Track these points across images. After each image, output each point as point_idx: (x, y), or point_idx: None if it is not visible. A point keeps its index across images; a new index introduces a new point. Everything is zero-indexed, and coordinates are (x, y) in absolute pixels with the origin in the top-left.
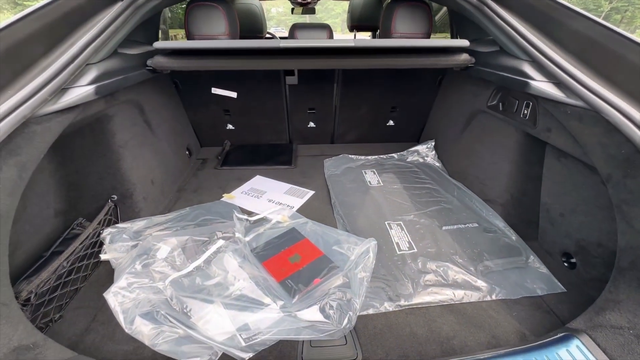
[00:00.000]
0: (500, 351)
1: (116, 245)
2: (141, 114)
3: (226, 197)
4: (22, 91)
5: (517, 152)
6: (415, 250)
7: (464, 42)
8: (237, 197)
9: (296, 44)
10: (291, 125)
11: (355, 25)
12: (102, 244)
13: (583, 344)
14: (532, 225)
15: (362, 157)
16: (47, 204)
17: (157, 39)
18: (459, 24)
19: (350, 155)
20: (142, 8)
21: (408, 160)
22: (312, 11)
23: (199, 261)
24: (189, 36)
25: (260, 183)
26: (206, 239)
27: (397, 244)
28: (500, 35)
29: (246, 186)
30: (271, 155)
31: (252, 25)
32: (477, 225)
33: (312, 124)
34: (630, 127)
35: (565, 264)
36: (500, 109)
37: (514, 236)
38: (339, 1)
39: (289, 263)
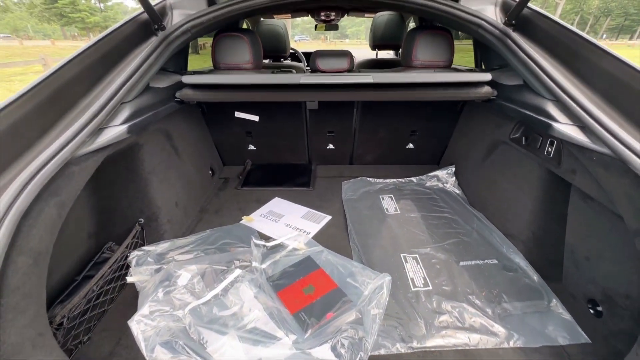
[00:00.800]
0: None
1: (141, 268)
2: (168, 140)
3: (245, 220)
4: (64, 135)
5: (541, 188)
6: (431, 287)
7: (486, 76)
8: (256, 220)
9: (316, 80)
10: (311, 147)
11: (378, 44)
12: (128, 266)
13: None
14: (555, 266)
15: (380, 181)
16: (81, 228)
17: (186, 67)
18: (482, 50)
19: (368, 179)
20: (174, 43)
21: (427, 185)
22: (335, 27)
23: (217, 290)
24: (215, 64)
25: (278, 205)
26: (224, 267)
27: (412, 279)
28: (524, 71)
29: (265, 208)
30: (290, 176)
31: (276, 45)
32: (496, 262)
33: (331, 146)
34: None
35: (591, 311)
36: (523, 142)
37: (535, 276)
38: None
39: (303, 294)
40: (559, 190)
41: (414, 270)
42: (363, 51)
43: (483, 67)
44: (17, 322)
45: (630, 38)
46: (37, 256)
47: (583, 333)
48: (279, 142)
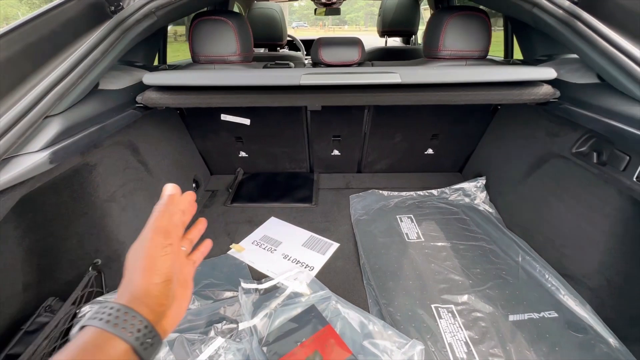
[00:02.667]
0: None
1: None
2: (135, 155)
3: (234, 249)
4: None
5: (620, 222)
6: (477, 358)
7: (549, 73)
8: (247, 248)
9: (320, 81)
10: (312, 153)
11: (387, 31)
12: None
13: None
14: (639, 325)
15: (396, 194)
16: (14, 280)
17: (164, 59)
18: (521, 34)
19: (380, 191)
20: (134, 29)
21: (450, 199)
22: (337, 12)
23: None
24: (194, 56)
25: (274, 228)
26: (202, 336)
27: (450, 344)
28: (605, 64)
29: (258, 233)
30: (289, 188)
31: (271, 33)
32: (556, 315)
33: (336, 152)
34: None
35: None
36: (595, 160)
37: (611, 339)
38: None
39: None
40: None
41: (452, 331)
42: (364, 38)
43: (513, 57)
44: None
45: None
46: None
47: None
48: (274, 148)
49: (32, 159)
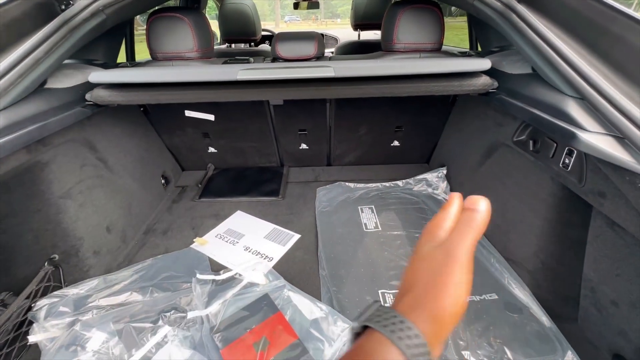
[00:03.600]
0: None
1: (51, 322)
2: (92, 152)
3: (198, 243)
4: None
5: (553, 207)
6: None
7: (484, 64)
8: (210, 241)
9: (254, 76)
10: (280, 148)
11: (359, 23)
12: (32, 322)
13: None
14: (570, 305)
15: (362, 186)
16: None
17: (132, 56)
18: (478, 28)
19: (347, 184)
20: (81, 28)
21: (414, 190)
22: (316, 6)
23: (137, 356)
24: (152, 53)
25: (239, 222)
26: (150, 324)
27: None
28: (534, 56)
29: (222, 227)
30: (258, 182)
31: (244, 27)
32: (495, 297)
33: (304, 146)
34: None
35: None
36: (531, 148)
37: (545, 319)
38: None
39: (252, 351)
40: (577, 211)
41: None
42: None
43: (479, 49)
44: None
45: None
46: None
47: None
48: (242, 143)
49: None
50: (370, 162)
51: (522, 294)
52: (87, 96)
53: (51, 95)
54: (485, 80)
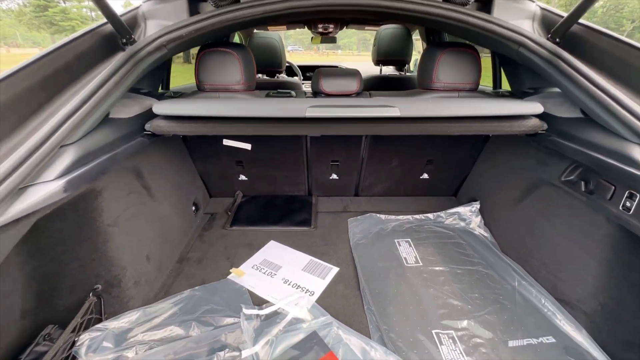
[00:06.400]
0: None
1: (95, 358)
2: (139, 179)
3: (234, 274)
4: None
5: (610, 248)
6: None
7: (536, 108)
8: (247, 273)
9: (325, 114)
10: (311, 177)
11: (382, 59)
12: (75, 357)
13: None
14: (633, 350)
15: (393, 217)
16: (12, 306)
17: (167, 84)
18: (510, 68)
19: (378, 215)
20: (145, 60)
21: (446, 223)
22: (333, 40)
23: None
24: (199, 85)
25: (274, 252)
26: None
27: None
28: (587, 101)
29: (258, 257)
30: (288, 211)
31: (271, 60)
32: (554, 340)
33: (334, 176)
34: None
35: None
36: (583, 188)
37: None
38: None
39: None
40: (637, 253)
41: (453, 357)
42: (358, 64)
43: (502, 88)
44: None
45: None
46: None
47: None
48: (274, 172)
49: (48, 188)
50: (398, 193)
51: (580, 337)
52: (147, 126)
53: (115, 125)
54: (535, 122)
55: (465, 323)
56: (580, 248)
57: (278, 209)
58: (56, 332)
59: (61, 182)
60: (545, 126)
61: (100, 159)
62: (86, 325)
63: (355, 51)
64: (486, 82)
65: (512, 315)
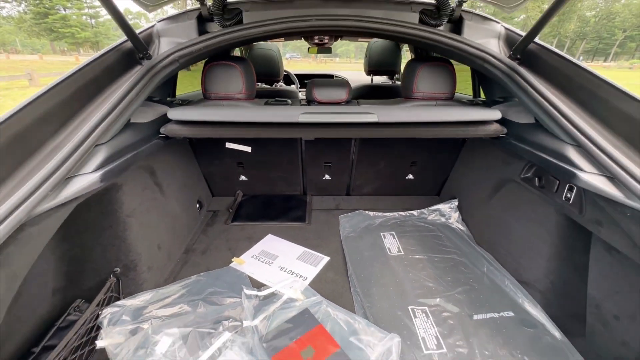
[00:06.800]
0: None
1: (115, 329)
2: (152, 177)
3: (235, 262)
4: (20, 191)
5: (558, 235)
6: (445, 349)
7: (495, 114)
8: (247, 261)
9: (315, 119)
10: (306, 178)
11: (373, 70)
12: (99, 327)
13: None
14: (578, 320)
15: (380, 214)
16: (45, 284)
17: (174, 93)
18: (483, 80)
19: (367, 212)
20: (160, 73)
21: (429, 219)
22: (329, 51)
23: (202, 359)
24: (205, 94)
25: (271, 244)
26: (211, 330)
27: (423, 338)
28: (536, 109)
29: (257, 248)
30: (284, 208)
31: (269, 70)
32: (513, 314)
33: (327, 177)
34: None
35: None
36: (537, 184)
37: (557, 333)
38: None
39: (301, 358)
40: (579, 237)
41: (425, 327)
42: (353, 73)
43: (482, 97)
44: None
45: (605, 60)
46: None
47: None
48: (272, 173)
49: (87, 179)
50: (386, 193)
51: (535, 311)
52: (162, 129)
53: (136, 129)
54: (496, 127)
55: (437, 300)
56: (537, 236)
57: (275, 206)
58: (83, 305)
59: (97, 174)
60: (505, 130)
61: (126, 156)
62: (107, 302)
63: (352, 59)
64: (469, 92)
65: (479, 295)
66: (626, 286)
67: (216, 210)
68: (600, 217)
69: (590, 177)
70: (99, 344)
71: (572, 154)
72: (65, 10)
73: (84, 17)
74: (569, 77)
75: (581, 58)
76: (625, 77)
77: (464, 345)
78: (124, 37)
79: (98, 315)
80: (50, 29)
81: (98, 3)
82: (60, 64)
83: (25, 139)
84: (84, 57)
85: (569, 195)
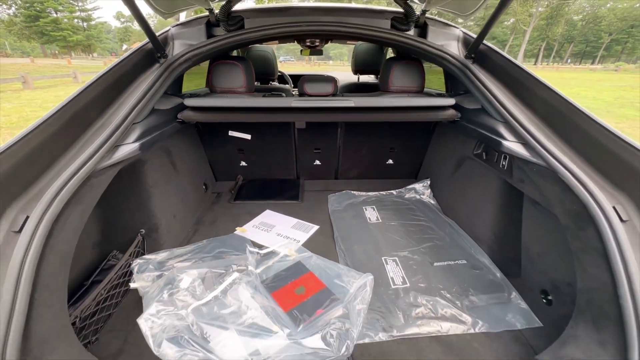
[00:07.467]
0: None
1: (143, 275)
2: (168, 157)
3: (239, 231)
4: (86, 151)
5: (499, 196)
6: (408, 284)
7: (450, 101)
8: (249, 230)
9: (305, 104)
10: (299, 163)
11: (359, 69)
12: (131, 273)
13: None
14: (514, 263)
15: (364, 194)
16: (88, 238)
17: (180, 89)
18: (450, 77)
19: (352, 192)
20: (177, 70)
21: (406, 197)
22: (320, 52)
23: (217, 291)
24: (212, 88)
25: (269, 217)
26: (222, 271)
27: (392, 278)
28: (481, 97)
29: (257, 220)
30: (280, 190)
31: (265, 69)
32: (465, 262)
33: (317, 162)
34: (579, 188)
35: (544, 301)
36: (484, 157)
37: (498, 273)
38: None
39: (294, 294)
40: (514, 197)
41: (394, 271)
42: (346, 74)
43: (452, 92)
44: (45, 315)
45: (592, 63)
46: (63, 256)
47: (537, 319)
48: (269, 158)
49: (130, 147)
50: (370, 176)
51: (484, 259)
52: (179, 115)
53: (159, 114)
54: (452, 112)
55: (406, 253)
56: (485, 201)
57: (272, 188)
58: (119, 255)
59: (137, 144)
60: (459, 115)
61: (154, 133)
62: (136, 255)
63: (346, 61)
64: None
65: (440, 249)
66: (544, 230)
67: (219, 192)
68: (522, 176)
69: (511, 144)
70: (132, 285)
71: (501, 128)
72: (56, 13)
73: (76, 20)
74: (506, 71)
75: (569, 61)
76: (609, 79)
77: (424, 282)
78: (145, 40)
79: (129, 264)
80: (42, 32)
81: (90, 6)
82: (53, 67)
83: (82, 116)
84: (76, 61)
85: (504, 163)
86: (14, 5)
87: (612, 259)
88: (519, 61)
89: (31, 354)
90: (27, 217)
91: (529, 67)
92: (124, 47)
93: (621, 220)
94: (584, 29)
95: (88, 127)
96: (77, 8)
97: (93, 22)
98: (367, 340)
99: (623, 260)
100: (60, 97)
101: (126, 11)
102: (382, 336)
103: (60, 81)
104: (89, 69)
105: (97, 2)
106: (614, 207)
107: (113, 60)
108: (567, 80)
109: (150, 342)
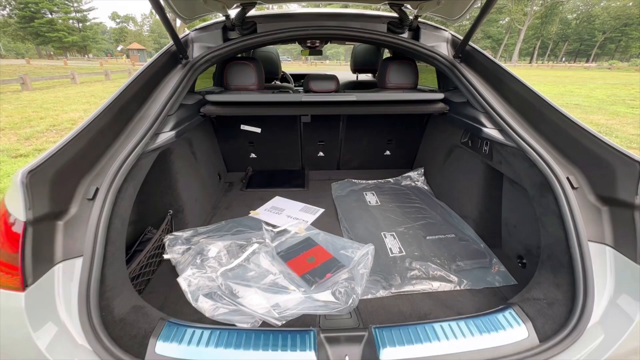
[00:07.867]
0: (459, 317)
1: (174, 248)
2: (190, 147)
3: (253, 214)
4: (136, 137)
5: (483, 178)
6: (404, 253)
7: (440, 95)
8: (262, 213)
9: (313, 98)
10: (304, 155)
11: (358, 68)
12: (164, 247)
13: (514, 310)
14: (496, 235)
15: (364, 182)
16: (129, 215)
17: (193, 88)
18: (440, 74)
19: (353, 180)
20: (198, 69)
21: (402, 184)
22: (320, 53)
23: (240, 259)
24: (226, 86)
25: (279, 202)
26: (244, 243)
27: (390, 249)
28: (466, 92)
29: (268, 205)
30: (287, 179)
31: (270, 69)
32: (454, 235)
33: (321, 153)
34: (541, 163)
35: (519, 264)
36: (470, 145)
37: (482, 244)
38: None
39: (306, 262)
40: (495, 179)
41: (392, 243)
42: (343, 73)
43: (443, 88)
44: (113, 266)
45: (587, 61)
46: (123, 220)
47: (512, 278)
48: (277, 150)
49: (168, 134)
50: (370, 167)
51: (469, 232)
52: (202, 109)
53: (186, 108)
54: (441, 105)
55: (402, 228)
56: (472, 183)
57: (280, 178)
58: (153, 230)
59: (173, 132)
60: (448, 108)
61: (185, 124)
62: (167, 232)
63: (342, 61)
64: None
65: (432, 225)
66: (519, 204)
67: (231, 182)
68: (500, 158)
69: (490, 130)
70: (165, 256)
71: (482, 117)
72: (51, 14)
73: (71, 20)
74: (488, 69)
75: (564, 59)
76: (602, 77)
77: (418, 251)
78: (170, 43)
79: (161, 239)
80: (37, 32)
81: (85, 7)
82: (50, 68)
83: (126, 109)
84: (72, 62)
85: (485, 148)
86: (8, 6)
87: (565, 218)
88: (514, 60)
89: (105, 296)
90: (97, 189)
91: (524, 65)
92: (119, 47)
93: (573, 187)
94: (578, 27)
95: (130, 119)
96: (72, 9)
97: (88, 23)
98: (369, 296)
99: (573, 219)
100: (59, 98)
101: (121, 12)
102: (382, 293)
103: (59, 82)
104: (86, 69)
105: (92, 3)
106: (567, 178)
107: (110, 61)
108: (561, 78)
109: (190, 297)
